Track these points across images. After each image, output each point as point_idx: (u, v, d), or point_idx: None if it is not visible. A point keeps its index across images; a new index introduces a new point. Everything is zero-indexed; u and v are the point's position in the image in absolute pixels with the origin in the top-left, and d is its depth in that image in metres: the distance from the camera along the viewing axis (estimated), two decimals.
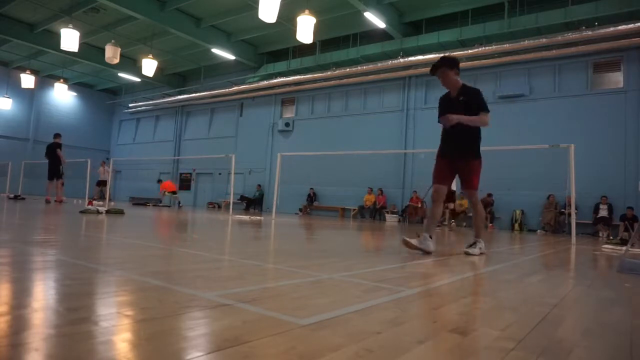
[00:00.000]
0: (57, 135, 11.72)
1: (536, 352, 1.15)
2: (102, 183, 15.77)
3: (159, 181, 17.94)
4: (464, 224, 12.93)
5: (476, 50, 12.89)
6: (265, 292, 1.73)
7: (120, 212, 7.53)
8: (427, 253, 3.56)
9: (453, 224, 12.24)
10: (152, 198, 21.60)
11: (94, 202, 9.62)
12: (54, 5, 14.97)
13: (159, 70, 18.68)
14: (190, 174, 21.64)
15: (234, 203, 12.66)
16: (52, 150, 11.29)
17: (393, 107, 15.69)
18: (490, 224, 12.34)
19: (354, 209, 15.44)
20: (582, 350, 1.21)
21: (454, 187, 10.84)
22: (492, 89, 13.70)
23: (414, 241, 3.58)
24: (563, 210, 11.53)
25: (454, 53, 13.29)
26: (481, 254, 3.84)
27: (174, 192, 16.47)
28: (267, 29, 15.54)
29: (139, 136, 25.46)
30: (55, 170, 11.27)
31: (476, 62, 13.36)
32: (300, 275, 2.20)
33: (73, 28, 12.06)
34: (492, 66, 13.49)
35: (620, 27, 10.87)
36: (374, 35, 15.19)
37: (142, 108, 23.66)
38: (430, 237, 3.61)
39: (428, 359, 1.06)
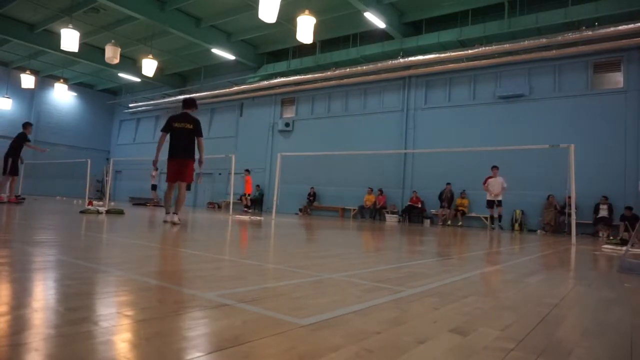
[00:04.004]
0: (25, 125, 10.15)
1: (536, 352, 1.15)
2: (155, 187, 17.15)
3: (247, 171, 16.09)
4: (460, 222, 13.02)
5: (476, 50, 12.88)
6: (265, 292, 1.73)
7: (120, 212, 7.53)
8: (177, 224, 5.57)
9: (460, 224, 12.47)
10: (152, 198, 21.61)
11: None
12: (54, 5, 14.97)
13: (159, 70, 18.67)
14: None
15: (233, 203, 12.66)
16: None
17: (393, 107, 15.69)
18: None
19: (354, 209, 15.44)
20: (582, 350, 1.21)
21: (497, 196, 10.93)
22: (492, 89, 13.71)
23: (175, 219, 5.76)
24: (563, 209, 11.52)
25: (454, 53, 13.31)
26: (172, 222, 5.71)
27: (246, 195, 15.55)
28: (267, 29, 15.54)
29: (139, 136, 25.46)
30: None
31: (476, 62, 13.36)
32: (300, 275, 2.20)
33: (73, 28, 12.04)
34: (492, 66, 13.48)
35: (620, 27, 10.87)
36: (374, 35, 15.18)
37: (142, 108, 23.66)
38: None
39: (428, 359, 1.06)
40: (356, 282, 2.08)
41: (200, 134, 6.21)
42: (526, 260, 3.91)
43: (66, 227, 4.46)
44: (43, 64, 21.14)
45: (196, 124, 6.17)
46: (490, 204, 11.17)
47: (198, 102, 21.88)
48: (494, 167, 11.07)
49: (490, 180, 11.10)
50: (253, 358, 0.97)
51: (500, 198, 10.98)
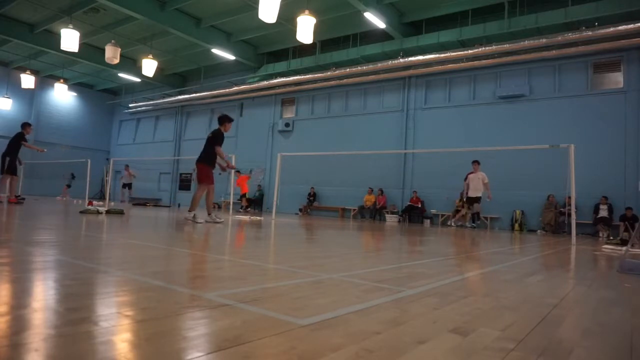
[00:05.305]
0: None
1: (536, 352, 1.15)
2: (126, 185, 17.56)
3: (237, 172, 14.98)
4: (460, 223, 12.99)
5: (476, 50, 12.88)
6: (266, 292, 1.73)
7: (120, 213, 7.53)
8: (218, 222, 6.58)
9: (460, 224, 12.33)
10: (152, 198, 21.62)
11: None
12: (54, 5, 14.97)
13: (159, 70, 18.66)
14: (191, 174, 21.64)
15: (234, 203, 12.65)
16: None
17: (393, 107, 15.69)
18: None
19: (354, 209, 15.44)
20: (582, 350, 1.21)
21: (474, 194, 10.65)
22: (492, 89, 13.70)
23: (208, 218, 6.66)
24: (563, 209, 11.52)
25: (454, 53, 13.32)
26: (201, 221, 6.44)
27: (244, 195, 14.97)
28: (267, 29, 15.54)
29: (139, 136, 25.45)
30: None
31: (476, 62, 13.36)
32: (300, 275, 2.20)
33: (73, 28, 12.04)
34: (492, 66, 13.48)
35: (620, 27, 10.87)
36: (374, 35, 15.17)
37: (142, 108, 23.65)
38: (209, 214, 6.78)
39: (428, 359, 1.06)
40: (356, 282, 2.08)
41: (213, 142, 6.78)
42: (526, 261, 3.91)
43: (66, 227, 4.46)
44: (43, 64, 21.13)
45: (213, 134, 6.88)
46: (470, 200, 10.81)
47: (198, 102, 22.04)
48: (475, 162, 10.70)
49: (470, 175, 10.68)
50: (253, 358, 0.97)
51: (479, 195, 10.50)
